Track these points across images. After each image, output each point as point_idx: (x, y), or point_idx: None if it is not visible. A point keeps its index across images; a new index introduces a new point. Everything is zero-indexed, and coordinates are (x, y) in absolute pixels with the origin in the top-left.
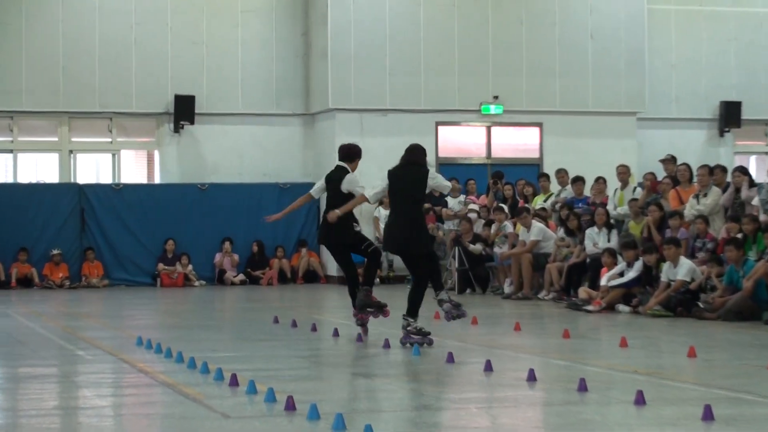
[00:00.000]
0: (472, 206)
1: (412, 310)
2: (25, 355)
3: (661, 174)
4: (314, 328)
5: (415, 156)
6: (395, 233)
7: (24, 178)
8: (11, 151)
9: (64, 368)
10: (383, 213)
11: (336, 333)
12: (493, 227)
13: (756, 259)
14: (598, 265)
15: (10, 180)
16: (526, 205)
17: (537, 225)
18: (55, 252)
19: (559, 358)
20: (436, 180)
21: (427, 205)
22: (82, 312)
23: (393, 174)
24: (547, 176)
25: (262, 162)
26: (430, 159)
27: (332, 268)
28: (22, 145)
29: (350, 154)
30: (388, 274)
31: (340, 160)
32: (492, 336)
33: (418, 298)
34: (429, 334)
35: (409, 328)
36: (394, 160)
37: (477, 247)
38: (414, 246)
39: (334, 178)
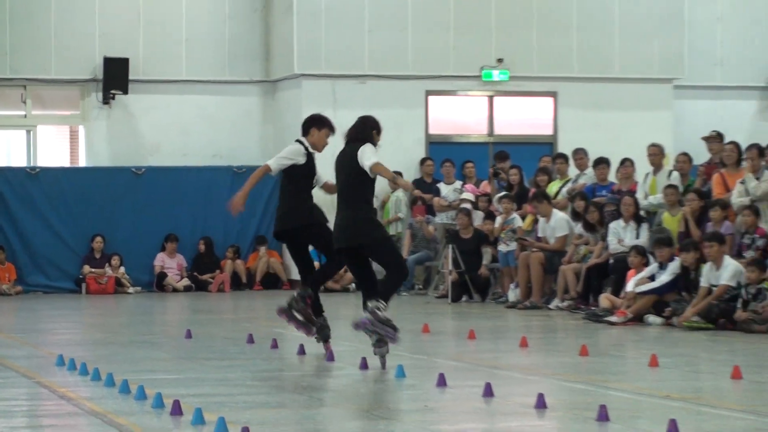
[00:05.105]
0: (465, 195)
1: (386, 296)
2: None
3: (701, 155)
4: (275, 345)
5: (356, 131)
6: (339, 227)
7: None
8: None
9: None
10: None
11: (302, 350)
12: (498, 220)
13: None
14: (624, 266)
15: None
16: (541, 189)
17: (559, 214)
18: None
19: (575, 381)
20: (362, 156)
21: (416, 192)
22: None
23: (337, 157)
24: (564, 157)
25: (212, 140)
26: (419, 136)
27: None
28: None
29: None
30: None
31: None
32: (493, 354)
33: (393, 286)
34: (397, 330)
35: (379, 313)
36: None
37: (488, 253)
38: (364, 236)
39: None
